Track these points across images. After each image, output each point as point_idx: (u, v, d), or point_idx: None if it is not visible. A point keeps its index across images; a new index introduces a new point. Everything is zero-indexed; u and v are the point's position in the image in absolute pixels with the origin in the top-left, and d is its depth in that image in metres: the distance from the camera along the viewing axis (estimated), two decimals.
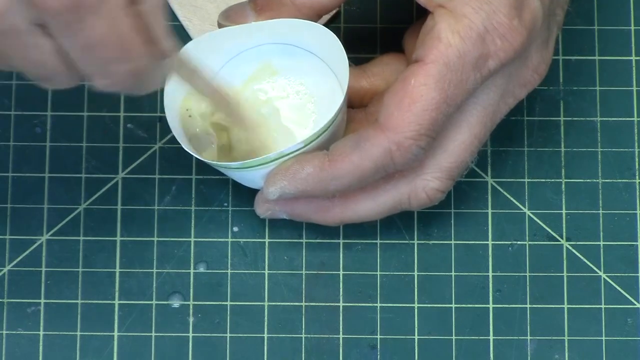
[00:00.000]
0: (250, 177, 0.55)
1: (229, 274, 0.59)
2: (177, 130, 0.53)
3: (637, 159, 0.60)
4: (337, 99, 0.54)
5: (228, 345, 0.58)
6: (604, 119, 0.61)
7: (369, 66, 0.57)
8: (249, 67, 0.56)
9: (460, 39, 0.50)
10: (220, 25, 0.55)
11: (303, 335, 0.58)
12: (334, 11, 0.60)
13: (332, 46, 0.53)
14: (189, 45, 0.53)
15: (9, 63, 0.45)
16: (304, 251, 0.59)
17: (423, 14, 0.53)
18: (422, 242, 0.59)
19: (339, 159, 0.52)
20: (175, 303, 0.59)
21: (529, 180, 0.60)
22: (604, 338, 0.59)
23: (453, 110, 0.51)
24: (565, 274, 0.59)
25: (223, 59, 0.55)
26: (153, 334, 0.58)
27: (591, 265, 0.59)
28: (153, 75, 0.47)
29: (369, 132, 0.51)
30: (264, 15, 0.53)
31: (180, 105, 0.55)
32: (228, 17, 0.54)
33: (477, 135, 0.54)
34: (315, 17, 0.54)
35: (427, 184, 0.54)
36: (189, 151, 0.52)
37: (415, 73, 0.50)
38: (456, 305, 0.59)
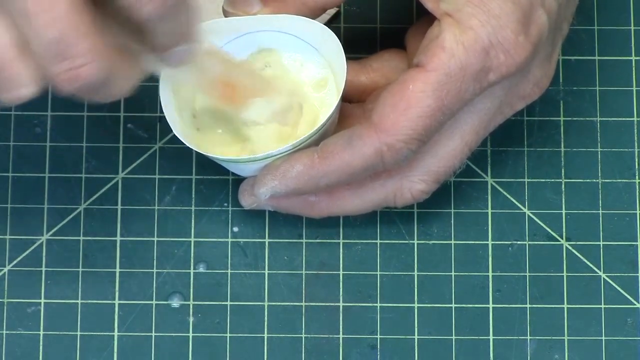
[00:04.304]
0: (241, 168, 0.55)
1: (229, 274, 0.59)
2: (168, 109, 0.53)
3: (637, 159, 0.60)
4: (331, 94, 0.54)
5: (228, 345, 0.58)
6: (604, 119, 0.61)
7: (369, 61, 0.57)
8: (245, 52, 0.55)
9: (464, 51, 0.50)
10: (224, 11, 0.54)
11: (303, 335, 0.58)
12: (334, 11, 0.60)
13: (332, 47, 0.53)
14: None
15: None
16: (304, 251, 0.59)
17: (424, 13, 0.53)
18: (422, 242, 0.59)
19: (329, 156, 0.52)
20: (175, 303, 0.59)
21: (529, 180, 0.60)
22: (603, 338, 0.59)
23: (448, 118, 0.51)
24: (565, 274, 0.59)
25: (220, 42, 0.55)
26: (153, 334, 0.58)
27: (591, 265, 0.59)
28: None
29: (362, 130, 0.52)
30: (269, 6, 0.53)
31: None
32: (233, 4, 0.54)
33: (468, 143, 0.54)
34: (320, 11, 0.54)
35: (414, 185, 0.55)
36: (179, 137, 0.52)
37: (415, 78, 0.50)
38: (456, 305, 0.59)
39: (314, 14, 0.54)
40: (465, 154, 0.54)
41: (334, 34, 0.53)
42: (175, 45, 0.45)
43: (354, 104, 0.57)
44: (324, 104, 0.55)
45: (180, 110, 0.54)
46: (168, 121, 0.52)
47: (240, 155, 0.54)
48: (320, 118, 0.54)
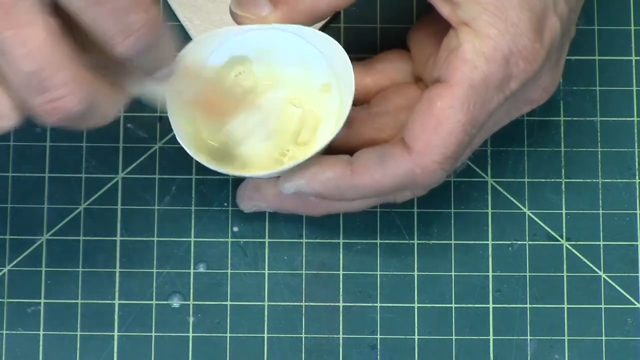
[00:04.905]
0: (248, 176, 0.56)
1: (229, 274, 0.59)
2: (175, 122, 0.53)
3: (637, 159, 0.60)
4: (334, 99, 0.54)
5: (228, 345, 0.58)
6: (604, 119, 0.61)
7: (373, 63, 0.57)
8: (249, 49, 0.54)
9: (485, 62, 0.50)
10: (231, 13, 0.54)
11: (303, 335, 0.58)
12: None
13: (340, 60, 0.53)
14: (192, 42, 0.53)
15: None
16: (304, 251, 0.59)
17: (425, 12, 0.53)
18: (422, 242, 0.59)
19: (361, 171, 0.52)
20: (175, 303, 0.59)
21: (529, 180, 0.60)
22: (604, 338, 0.59)
23: (477, 131, 0.51)
24: (565, 274, 0.59)
25: (226, 36, 0.54)
26: (153, 334, 0.58)
27: (591, 265, 0.59)
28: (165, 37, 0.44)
29: (395, 150, 0.51)
30: (279, 8, 0.53)
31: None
32: (241, 5, 0.53)
33: (473, 146, 0.54)
34: (330, 13, 0.53)
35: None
36: (186, 148, 0.52)
37: (441, 95, 0.50)
38: (456, 305, 0.59)
39: (324, 16, 0.54)
40: (467, 155, 0.54)
41: (343, 49, 0.52)
42: (155, 71, 0.45)
43: (358, 107, 0.57)
44: (327, 109, 0.55)
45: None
46: (175, 134, 0.52)
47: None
48: (322, 122, 0.54)
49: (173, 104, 0.52)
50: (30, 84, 0.41)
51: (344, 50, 0.52)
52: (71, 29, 0.42)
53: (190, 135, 0.53)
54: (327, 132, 0.54)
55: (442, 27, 0.52)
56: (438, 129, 0.50)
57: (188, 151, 0.52)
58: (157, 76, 0.45)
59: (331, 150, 0.55)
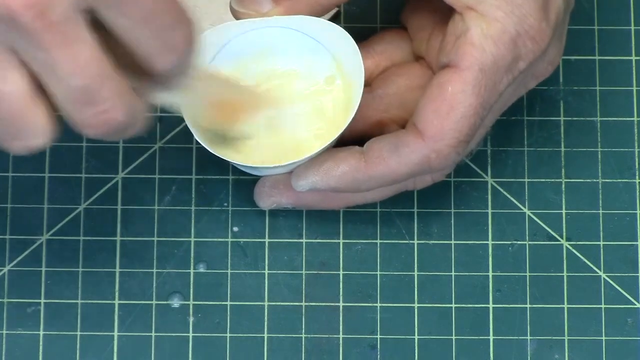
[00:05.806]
0: (259, 170, 0.55)
1: (229, 274, 0.59)
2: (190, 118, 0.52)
3: (637, 159, 0.60)
4: (339, 89, 0.54)
5: (228, 345, 0.58)
6: (604, 119, 0.61)
7: (372, 44, 0.57)
8: (251, 49, 0.54)
9: (494, 44, 0.50)
10: (232, 10, 0.54)
11: (303, 335, 0.58)
12: (334, 11, 0.60)
13: (346, 47, 0.53)
14: None
15: None
16: (304, 251, 0.59)
17: None
18: (422, 242, 0.59)
19: (376, 161, 0.52)
20: (175, 303, 0.59)
21: (529, 180, 0.60)
22: (604, 338, 0.59)
23: (487, 112, 0.51)
24: (565, 274, 0.59)
25: (226, 38, 0.54)
26: (153, 334, 0.58)
27: (591, 265, 0.59)
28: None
29: (408, 137, 0.52)
30: (281, 5, 0.53)
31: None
32: (242, 3, 0.53)
33: (486, 126, 0.54)
34: (331, 8, 0.53)
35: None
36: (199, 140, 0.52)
37: (452, 80, 0.50)
38: (456, 305, 0.59)
39: (325, 11, 0.54)
40: (482, 135, 0.55)
41: (349, 35, 0.52)
42: (176, 76, 0.45)
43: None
44: (334, 100, 0.55)
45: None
46: (191, 129, 0.52)
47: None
48: (332, 113, 0.54)
49: (190, 108, 0.52)
50: (79, 98, 0.41)
51: (350, 37, 0.52)
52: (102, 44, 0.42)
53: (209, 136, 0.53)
54: (338, 122, 0.54)
55: (438, 6, 0.52)
56: (450, 113, 0.51)
57: (212, 150, 0.52)
58: (174, 84, 0.45)
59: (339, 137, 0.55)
